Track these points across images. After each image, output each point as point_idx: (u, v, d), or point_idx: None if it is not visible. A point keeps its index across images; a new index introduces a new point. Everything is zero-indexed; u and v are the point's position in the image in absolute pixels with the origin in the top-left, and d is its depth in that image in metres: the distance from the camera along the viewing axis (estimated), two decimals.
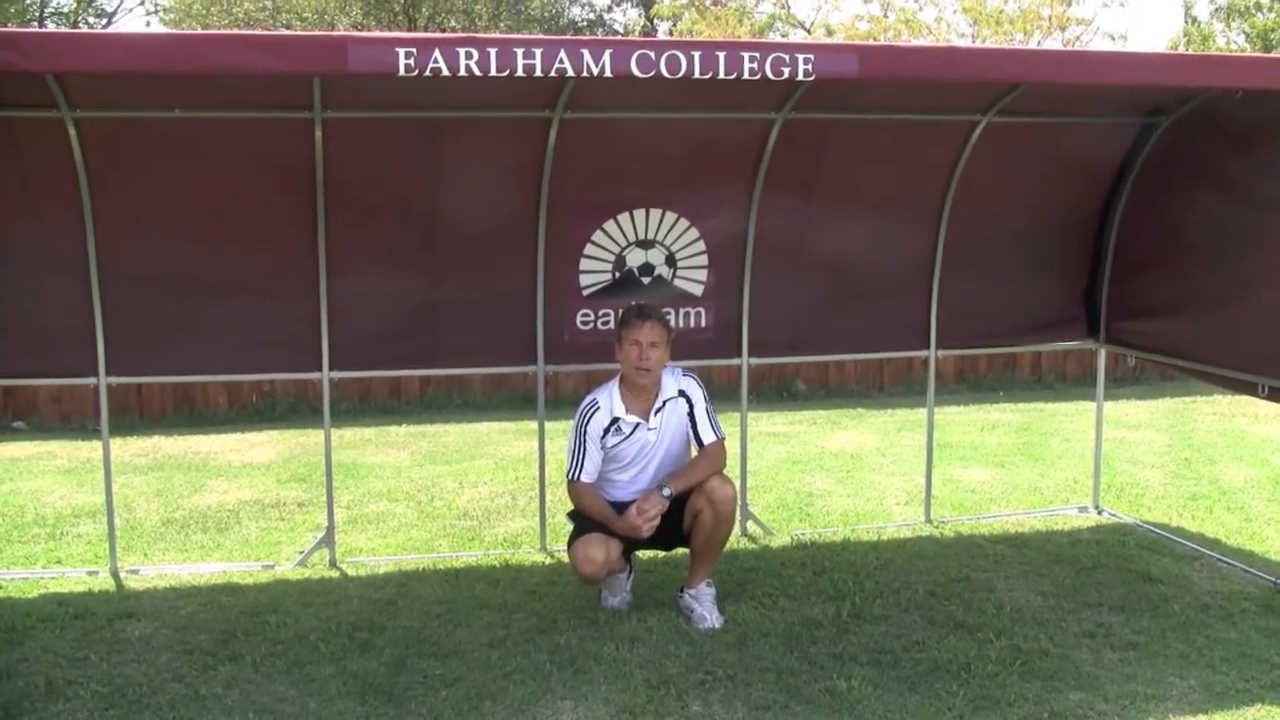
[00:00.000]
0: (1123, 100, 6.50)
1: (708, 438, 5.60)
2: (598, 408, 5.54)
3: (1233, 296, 6.21)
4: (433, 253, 6.37)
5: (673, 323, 6.20)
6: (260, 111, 5.77)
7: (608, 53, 4.41)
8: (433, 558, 6.65)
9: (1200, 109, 6.29)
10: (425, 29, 23.24)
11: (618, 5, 33.15)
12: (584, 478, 5.53)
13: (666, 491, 5.38)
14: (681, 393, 5.59)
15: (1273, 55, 6.32)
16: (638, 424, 5.54)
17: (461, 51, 4.28)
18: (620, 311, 5.83)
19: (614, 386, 5.58)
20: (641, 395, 5.56)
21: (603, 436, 5.52)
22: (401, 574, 6.35)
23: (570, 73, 4.40)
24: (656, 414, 5.55)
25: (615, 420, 5.53)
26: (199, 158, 5.91)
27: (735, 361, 6.92)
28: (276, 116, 5.81)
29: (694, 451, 5.68)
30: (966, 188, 6.74)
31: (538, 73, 4.35)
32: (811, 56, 4.56)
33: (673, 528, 5.47)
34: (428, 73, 4.25)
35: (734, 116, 6.24)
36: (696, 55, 4.46)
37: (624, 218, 6.47)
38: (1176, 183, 6.61)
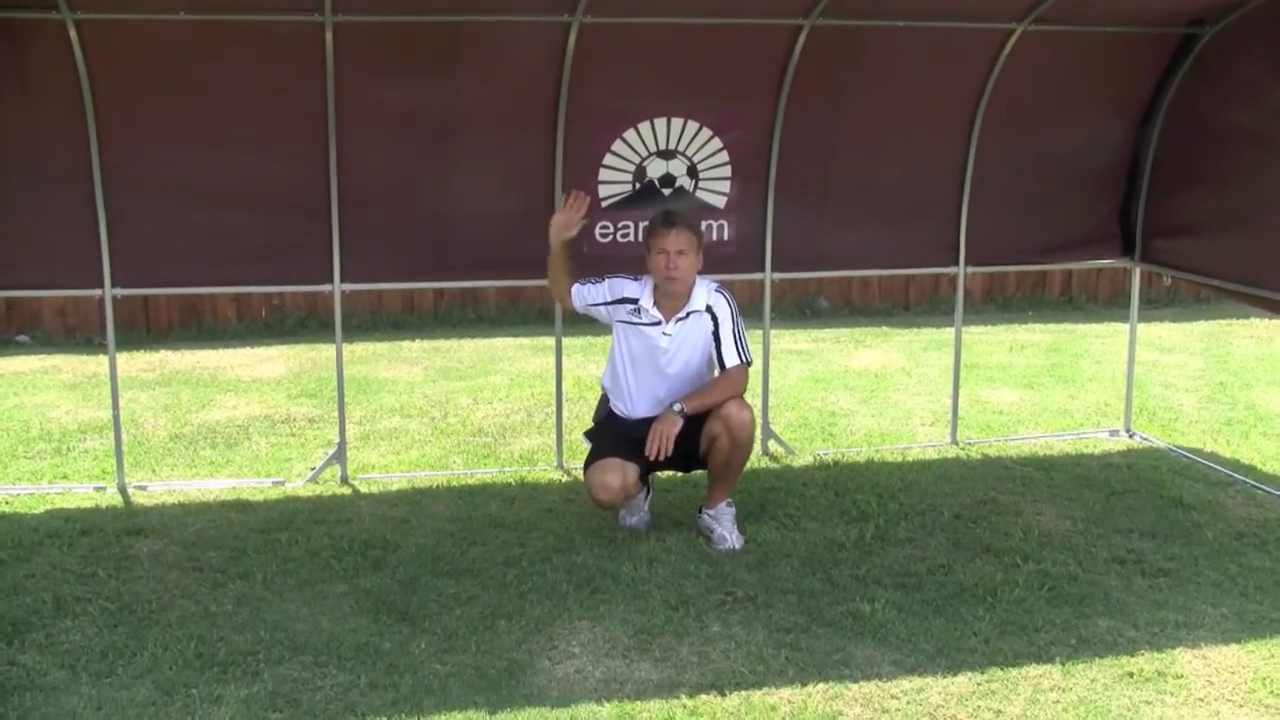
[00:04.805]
0: (1163, 8, 6.27)
1: (730, 360, 5.42)
2: (633, 280, 5.51)
3: (1275, 214, 6.01)
4: (447, 161, 6.17)
5: None
6: (269, 15, 5.57)
7: None
8: (447, 475, 6.56)
9: (1245, 19, 6.06)
10: None
11: None
12: (578, 286, 5.59)
13: (678, 408, 5.26)
14: (709, 309, 5.42)
15: None
16: (658, 321, 5.41)
17: None
18: (649, 220, 5.66)
19: (650, 281, 5.48)
20: (668, 300, 5.42)
21: (618, 301, 5.49)
22: (415, 491, 6.27)
23: None
24: (677, 322, 5.41)
25: (638, 303, 5.44)
26: (205, 62, 5.70)
27: (758, 276, 6.76)
28: (285, 20, 5.61)
29: (716, 373, 5.54)
30: (999, 100, 6.52)
31: None
32: None
33: (690, 449, 5.35)
34: None
35: (760, 22, 6.01)
36: None
37: (644, 127, 6.27)
38: (1218, 96, 6.38)
